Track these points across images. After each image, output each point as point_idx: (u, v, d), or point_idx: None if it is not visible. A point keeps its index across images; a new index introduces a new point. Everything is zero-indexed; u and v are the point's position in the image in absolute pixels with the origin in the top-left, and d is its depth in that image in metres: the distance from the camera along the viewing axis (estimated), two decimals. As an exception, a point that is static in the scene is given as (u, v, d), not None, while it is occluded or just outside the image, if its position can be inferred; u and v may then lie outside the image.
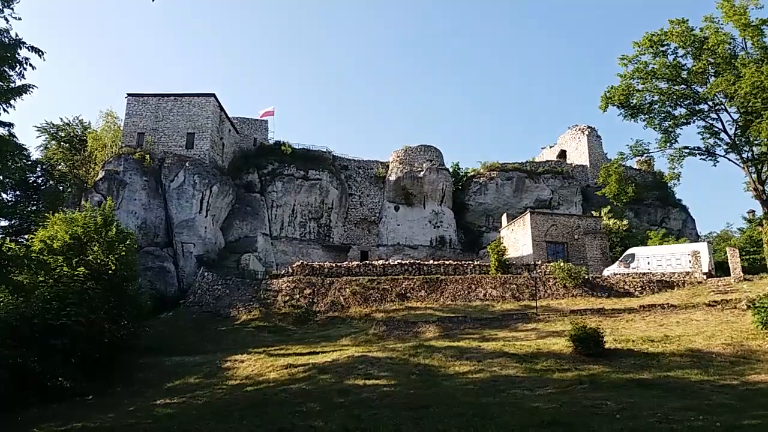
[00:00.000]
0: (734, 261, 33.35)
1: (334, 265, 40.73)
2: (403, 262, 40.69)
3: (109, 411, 17.52)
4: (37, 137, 54.59)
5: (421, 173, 58.26)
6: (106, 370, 23.84)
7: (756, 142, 33.86)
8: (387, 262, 40.56)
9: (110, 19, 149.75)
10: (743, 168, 34.61)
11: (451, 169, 62.22)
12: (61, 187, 50.52)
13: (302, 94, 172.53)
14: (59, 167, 52.36)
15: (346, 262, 43.09)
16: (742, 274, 32.86)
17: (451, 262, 41.12)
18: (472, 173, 63.38)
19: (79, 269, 25.59)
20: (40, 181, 49.94)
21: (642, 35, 34.73)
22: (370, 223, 59.51)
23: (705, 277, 33.75)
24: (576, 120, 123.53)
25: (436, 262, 40.12)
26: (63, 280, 24.91)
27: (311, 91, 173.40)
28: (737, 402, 12.43)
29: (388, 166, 60.76)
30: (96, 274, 26.49)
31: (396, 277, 37.36)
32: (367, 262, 43.01)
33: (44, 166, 50.45)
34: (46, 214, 30.54)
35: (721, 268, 37.43)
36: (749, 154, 34.92)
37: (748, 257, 44.63)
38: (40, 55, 17.02)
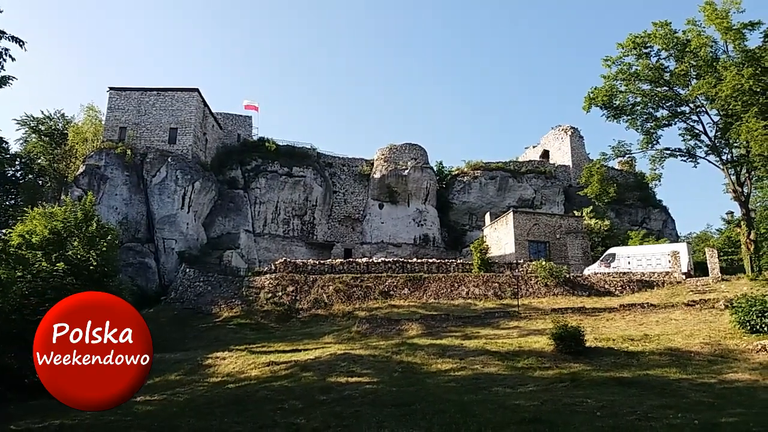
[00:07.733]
0: (713, 261, 33.80)
1: (317, 262, 40.59)
2: (387, 260, 40.62)
3: (87, 408, 17.27)
4: (17, 130, 53.83)
5: (406, 171, 58.28)
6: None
7: (735, 144, 34.43)
8: (371, 260, 40.50)
9: (93, 11, 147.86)
10: (723, 170, 35.15)
11: (435, 168, 62.29)
12: (40, 181, 49.84)
13: (287, 90, 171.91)
14: (39, 161, 51.65)
15: (330, 260, 42.96)
16: (720, 274, 33.30)
17: (434, 260, 41.15)
18: (456, 172, 63.48)
19: (58, 264, 25.16)
20: (19, 175, 49.09)
21: (626, 37, 35.15)
22: (354, 220, 59.42)
23: (684, 277, 34.11)
24: (559, 120, 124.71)
25: (419, 261, 40.14)
26: (42, 275, 24.38)
27: (296, 87, 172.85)
28: (715, 400, 12.56)
29: (372, 164, 60.71)
30: (76, 269, 26.08)
31: (379, 275, 37.27)
32: (351, 259, 42.94)
33: (23, 160, 49.66)
34: (25, 209, 30.12)
35: (700, 268, 37.88)
36: (729, 156, 35.47)
37: (726, 258, 45.29)
38: (21, 46, 16.52)
